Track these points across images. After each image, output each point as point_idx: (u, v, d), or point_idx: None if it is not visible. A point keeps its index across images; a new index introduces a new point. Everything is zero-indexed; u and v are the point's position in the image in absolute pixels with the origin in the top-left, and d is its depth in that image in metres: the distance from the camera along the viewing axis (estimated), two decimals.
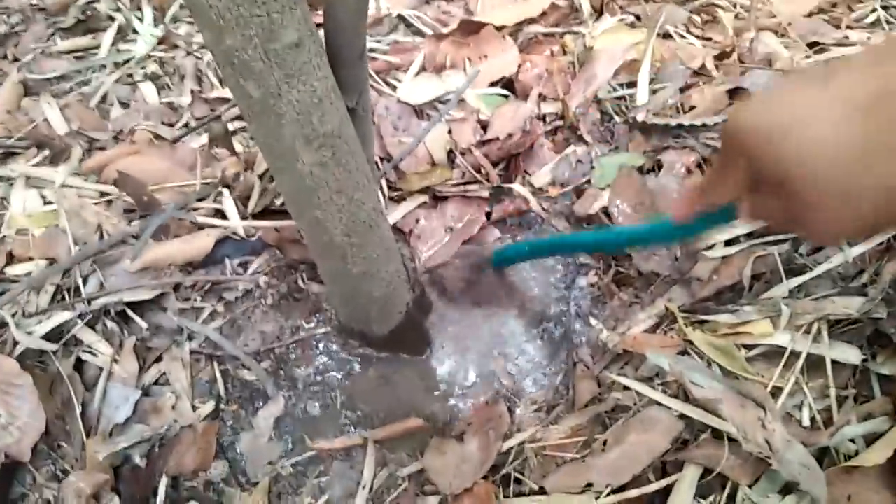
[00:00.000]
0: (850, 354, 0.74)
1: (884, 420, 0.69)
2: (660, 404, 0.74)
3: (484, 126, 1.09)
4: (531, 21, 1.26)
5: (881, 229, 0.38)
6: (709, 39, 1.15)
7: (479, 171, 1.03)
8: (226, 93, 1.22)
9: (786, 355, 0.75)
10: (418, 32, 1.31)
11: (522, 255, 0.91)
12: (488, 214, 0.99)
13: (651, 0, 1.25)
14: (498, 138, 1.05)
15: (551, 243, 0.87)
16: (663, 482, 0.69)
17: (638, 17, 1.23)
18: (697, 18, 1.20)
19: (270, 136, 0.57)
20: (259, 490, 0.77)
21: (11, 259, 0.96)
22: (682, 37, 1.17)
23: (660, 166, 0.96)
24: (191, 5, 0.47)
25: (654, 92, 1.07)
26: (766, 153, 0.38)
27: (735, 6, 1.21)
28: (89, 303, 0.88)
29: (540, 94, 1.12)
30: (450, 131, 1.07)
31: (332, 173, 0.60)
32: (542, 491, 0.71)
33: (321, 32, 0.57)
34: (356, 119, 0.63)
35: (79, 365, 0.86)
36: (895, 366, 0.72)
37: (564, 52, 1.19)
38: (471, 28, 1.21)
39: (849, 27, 1.14)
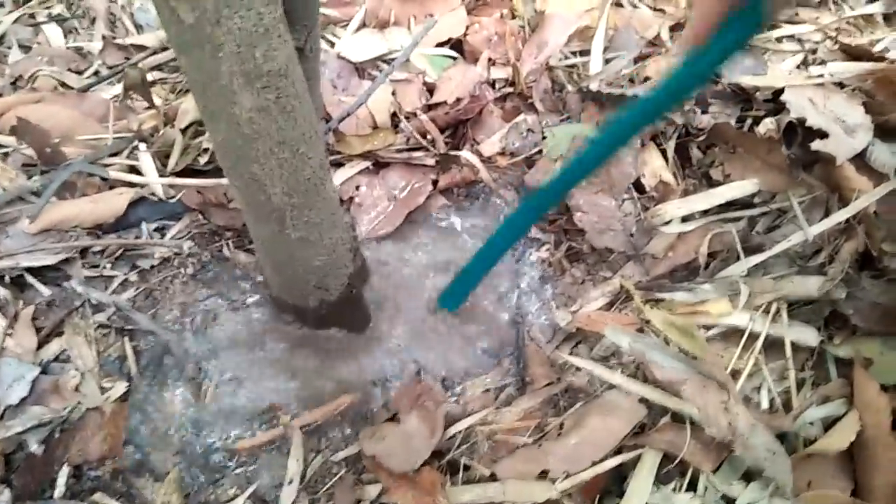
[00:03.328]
0: (809, 336, 0.72)
1: (841, 403, 0.68)
2: (619, 387, 0.70)
3: (430, 89, 1.02)
4: None
5: None
6: (661, 11, 1.12)
7: (424, 137, 0.96)
8: (143, 39, 1.10)
9: (745, 336, 0.72)
10: None
11: (474, 274, 0.73)
12: (434, 183, 0.93)
13: None
14: (445, 102, 0.98)
15: (509, 225, 0.65)
16: (618, 460, 0.65)
17: None
18: None
19: (204, 73, 0.48)
20: (170, 481, 0.69)
21: None
22: (635, 6, 1.13)
23: None
24: None
25: (607, 61, 1.03)
26: None
27: None
28: None
29: (489, 59, 1.06)
30: (394, 93, 1.00)
31: (275, 120, 0.52)
32: (494, 477, 0.66)
33: None
34: (303, 61, 0.55)
35: None
36: (851, 348, 0.71)
37: (514, 16, 1.14)
38: None
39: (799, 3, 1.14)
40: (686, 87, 0.48)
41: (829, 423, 0.67)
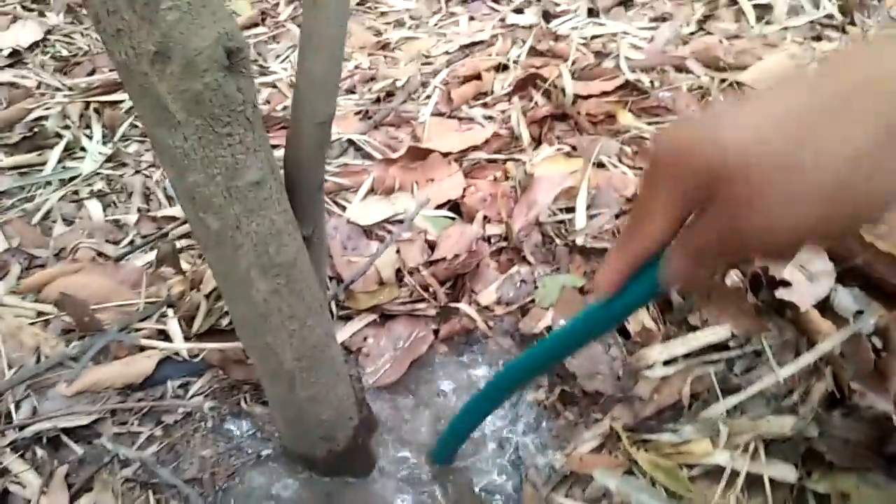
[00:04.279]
0: (787, 473, 0.76)
1: None
2: None
3: (431, 246, 1.12)
4: (475, 148, 1.33)
5: (830, 222, 0.33)
6: (640, 169, 1.24)
7: (426, 290, 1.05)
8: (174, 211, 1.23)
9: (726, 474, 0.77)
10: (367, 156, 1.36)
11: (461, 432, 0.79)
12: (436, 333, 1.01)
13: (585, 132, 1.35)
14: (445, 258, 1.08)
15: (484, 395, 0.71)
16: None
17: (574, 148, 1.31)
18: (628, 150, 1.30)
19: (227, 266, 0.58)
20: None
21: None
22: (615, 166, 1.25)
23: None
24: (156, 143, 0.50)
25: (591, 217, 1.14)
26: (699, 154, 0.35)
27: None
28: (20, 430, 0.84)
29: (484, 217, 1.17)
30: (398, 251, 1.10)
31: (286, 300, 0.61)
32: None
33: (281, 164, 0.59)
34: (311, 246, 0.65)
35: (4, 496, 0.81)
36: (829, 484, 0.75)
37: (507, 178, 1.26)
38: (418, 154, 1.27)
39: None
40: (591, 332, 0.52)
41: None
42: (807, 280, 0.91)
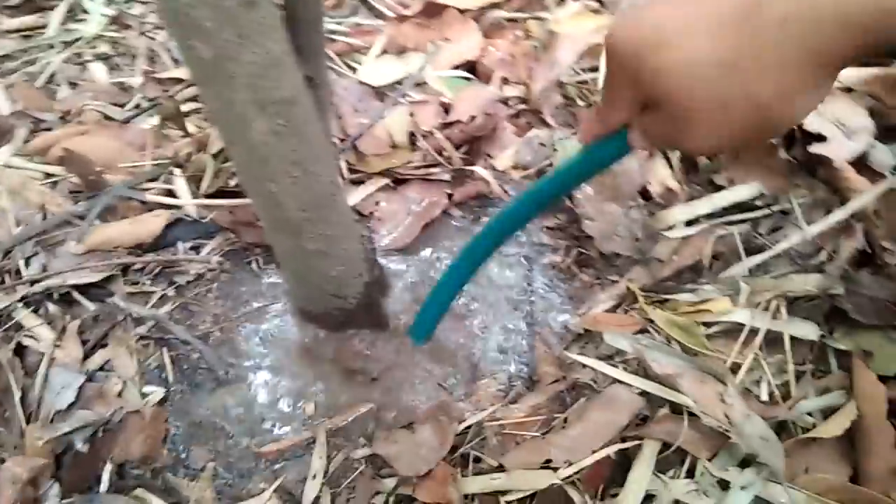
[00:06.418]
0: (808, 330, 0.75)
1: (840, 394, 0.70)
2: (620, 382, 0.73)
3: (446, 109, 1.07)
4: (494, 6, 1.24)
5: (750, 140, 0.40)
6: None
7: (440, 154, 1.01)
8: (179, 73, 1.19)
9: (745, 332, 0.75)
10: (379, 15, 1.29)
11: (437, 307, 0.73)
12: (450, 197, 0.98)
13: None
14: (461, 121, 1.03)
15: (462, 262, 0.66)
16: (617, 447, 0.69)
17: (601, 3, 1.22)
18: None
19: (221, 102, 0.54)
20: (205, 478, 0.75)
21: None
22: None
23: None
24: None
25: None
26: (643, 69, 0.39)
27: None
28: (31, 285, 0.84)
29: (503, 78, 1.11)
30: (411, 114, 1.05)
31: (287, 143, 0.58)
32: (501, 468, 0.70)
33: None
34: (313, 88, 0.61)
35: (19, 350, 0.82)
36: (852, 341, 0.73)
37: (528, 37, 1.19)
38: (433, 11, 1.19)
39: None
40: (569, 182, 0.54)
41: (828, 413, 0.70)
42: (843, 135, 0.85)
